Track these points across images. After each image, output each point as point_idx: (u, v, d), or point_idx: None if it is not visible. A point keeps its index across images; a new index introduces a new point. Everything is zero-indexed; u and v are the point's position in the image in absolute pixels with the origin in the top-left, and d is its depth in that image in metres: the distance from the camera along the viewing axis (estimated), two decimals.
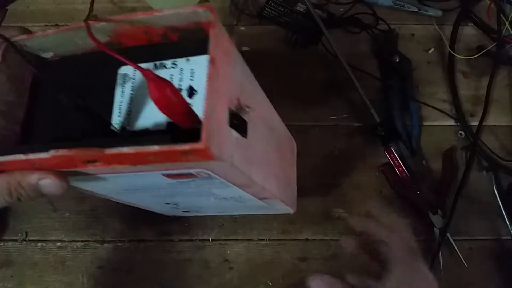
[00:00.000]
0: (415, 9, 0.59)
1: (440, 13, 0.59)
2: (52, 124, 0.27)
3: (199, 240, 0.49)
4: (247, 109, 0.26)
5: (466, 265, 0.47)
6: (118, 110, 0.25)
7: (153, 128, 0.24)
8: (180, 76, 0.24)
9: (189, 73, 0.24)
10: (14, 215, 0.50)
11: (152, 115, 0.23)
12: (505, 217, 0.48)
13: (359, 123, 0.54)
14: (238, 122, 0.24)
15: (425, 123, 0.54)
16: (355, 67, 0.53)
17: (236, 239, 0.49)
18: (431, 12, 0.59)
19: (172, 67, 0.24)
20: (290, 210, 0.43)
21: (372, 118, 0.51)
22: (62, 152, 0.21)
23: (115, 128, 0.24)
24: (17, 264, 0.49)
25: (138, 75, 0.25)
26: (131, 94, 0.25)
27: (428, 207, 0.48)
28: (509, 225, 0.48)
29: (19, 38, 0.26)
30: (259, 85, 0.31)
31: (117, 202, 0.39)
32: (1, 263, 0.49)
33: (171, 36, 0.24)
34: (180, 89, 0.24)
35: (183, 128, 0.23)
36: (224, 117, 0.23)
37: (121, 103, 0.25)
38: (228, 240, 0.49)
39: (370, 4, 0.59)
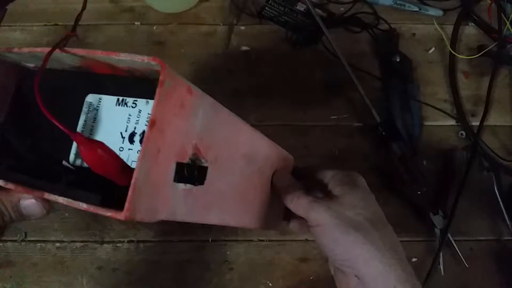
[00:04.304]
0: (416, 9, 0.59)
1: (441, 12, 0.59)
2: (20, 138, 0.27)
3: (199, 240, 0.49)
4: (203, 160, 0.25)
5: (467, 266, 0.47)
6: None
7: None
8: (137, 119, 0.24)
9: (146, 117, 0.24)
10: None
11: None
12: (506, 217, 0.48)
13: (359, 123, 0.54)
14: (190, 173, 0.24)
15: (426, 123, 0.54)
16: (355, 66, 0.52)
17: (236, 240, 0.49)
18: (432, 11, 0.59)
19: (132, 107, 0.25)
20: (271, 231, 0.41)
21: (372, 118, 0.51)
22: (10, 186, 0.23)
23: (68, 164, 0.25)
24: (16, 265, 0.48)
25: (103, 105, 0.26)
26: (92, 125, 0.26)
27: (429, 207, 0.48)
28: (510, 226, 0.48)
29: None
30: (234, 115, 0.29)
31: None
32: (0, 263, 0.49)
33: (135, 73, 0.24)
34: (134, 133, 0.24)
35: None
36: (167, 174, 0.22)
37: (83, 133, 0.26)
38: (228, 240, 0.49)
39: (370, 3, 0.59)
